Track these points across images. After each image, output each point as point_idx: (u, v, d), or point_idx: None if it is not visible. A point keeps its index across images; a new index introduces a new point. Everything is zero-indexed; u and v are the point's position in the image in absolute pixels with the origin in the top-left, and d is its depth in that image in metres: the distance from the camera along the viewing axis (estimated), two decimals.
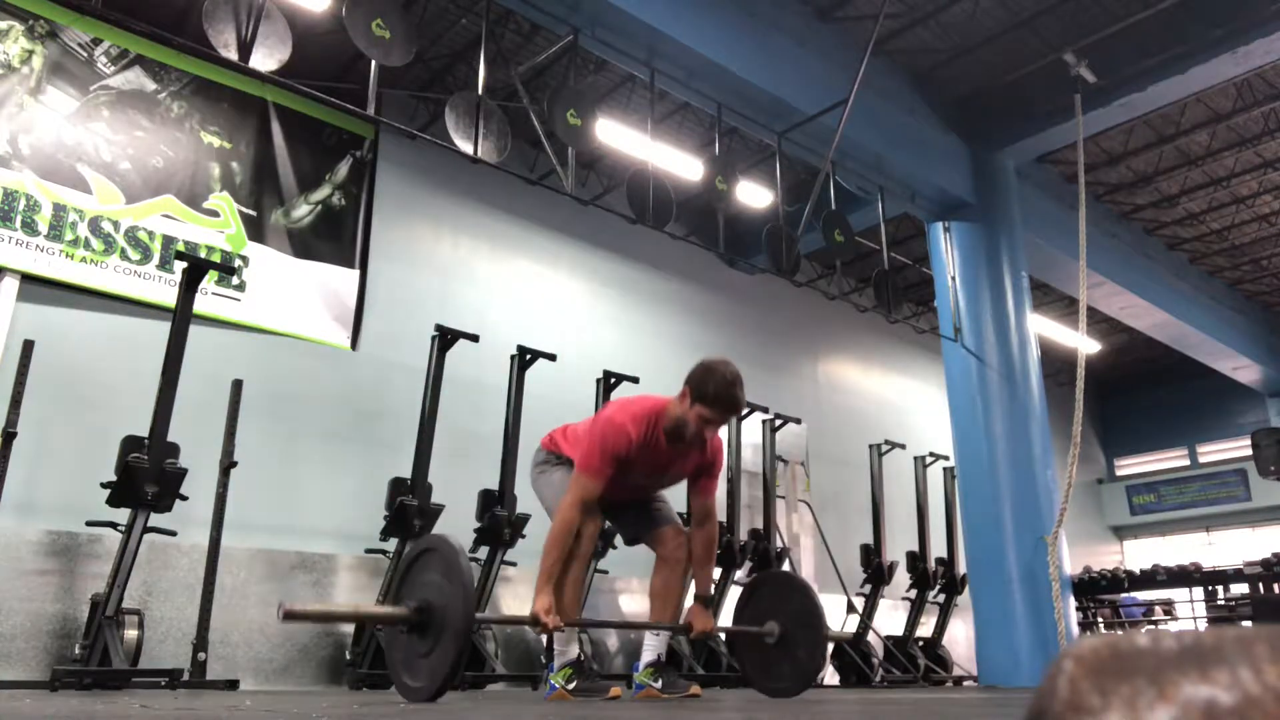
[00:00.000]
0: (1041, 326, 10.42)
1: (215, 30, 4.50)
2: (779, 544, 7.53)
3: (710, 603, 3.38)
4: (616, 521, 3.47)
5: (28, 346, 5.19)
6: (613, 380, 6.68)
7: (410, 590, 2.65)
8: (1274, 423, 13.36)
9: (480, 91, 5.51)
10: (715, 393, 3.00)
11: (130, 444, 4.71)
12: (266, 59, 4.66)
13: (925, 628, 8.50)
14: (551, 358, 6.55)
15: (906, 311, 10.94)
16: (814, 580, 8.76)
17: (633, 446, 3.05)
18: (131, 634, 4.69)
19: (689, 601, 3.40)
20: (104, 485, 4.66)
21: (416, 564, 2.71)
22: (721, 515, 7.26)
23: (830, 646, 7.78)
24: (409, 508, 5.72)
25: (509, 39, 7.67)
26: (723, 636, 6.96)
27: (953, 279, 8.42)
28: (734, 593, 7.16)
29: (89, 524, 4.83)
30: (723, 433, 7.83)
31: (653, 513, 3.36)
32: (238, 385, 5.72)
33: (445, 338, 6.09)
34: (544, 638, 6.74)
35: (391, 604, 2.75)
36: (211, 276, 6.19)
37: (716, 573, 7.04)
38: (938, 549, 8.72)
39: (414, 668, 2.61)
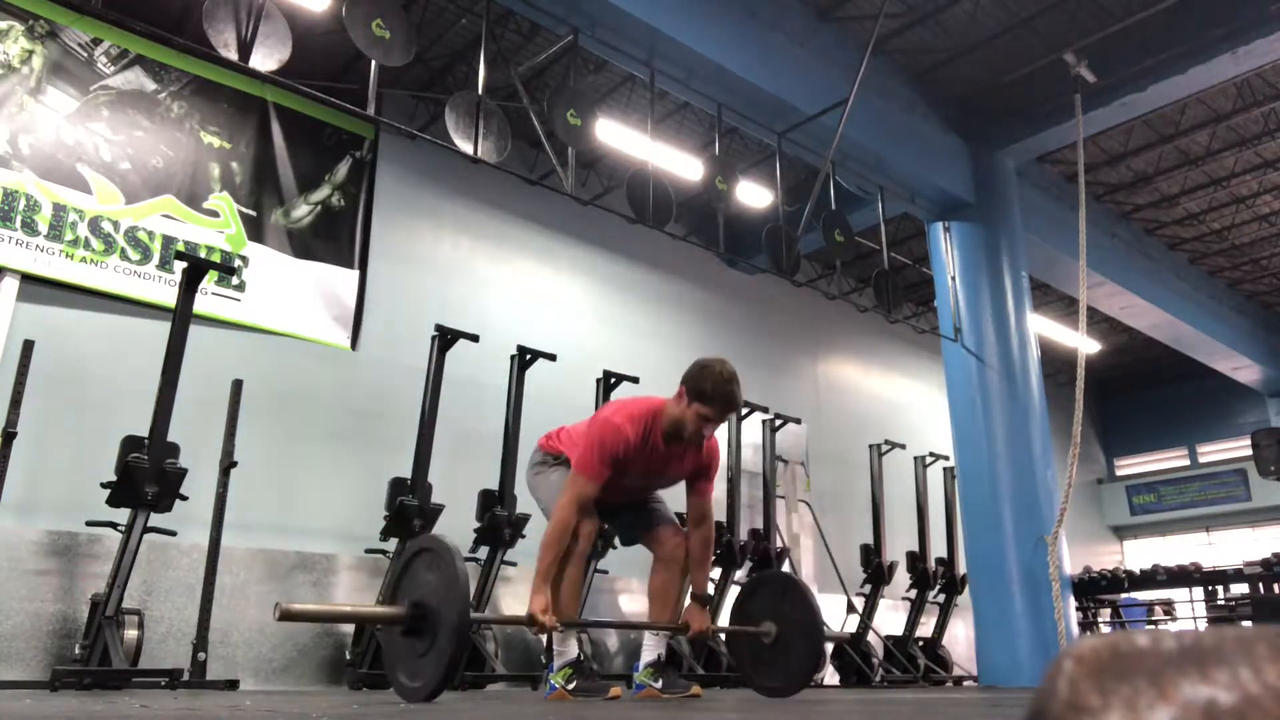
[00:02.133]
0: (1041, 326, 10.42)
1: (215, 30, 4.50)
2: (779, 544, 7.53)
3: (707, 603, 3.39)
4: (614, 522, 3.47)
5: (28, 346, 5.19)
6: (613, 380, 6.69)
7: (407, 590, 2.65)
8: (1274, 423, 13.35)
9: (480, 91, 5.51)
10: (713, 391, 3.00)
11: (130, 444, 4.71)
12: (266, 59, 4.66)
13: (925, 628, 8.50)
14: (551, 358, 6.55)
15: (906, 311, 10.95)
16: (814, 580, 8.76)
17: (630, 447, 3.05)
18: (131, 634, 4.69)
19: (687, 601, 3.40)
20: (104, 485, 4.66)
21: (413, 564, 2.70)
22: (721, 515, 7.27)
23: (829, 647, 7.78)
24: (409, 508, 5.72)
25: (509, 39, 7.67)
26: (722, 636, 6.97)
27: (953, 279, 8.42)
28: (734, 592, 7.17)
29: (89, 524, 4.83)
30: (722, 433, 7.78)
31: (650, 513, 3.36)
32: (238, 385, 5.72)
33: (445, 338, 6.09)
34: (543, 638, 6.75)
35: (389, 604, 2.74)
36: (211, 276, 6.19)
37: (716, 573, 7.04)
38: (938, 549, 8.72)
39: (411, 668, 2.61)
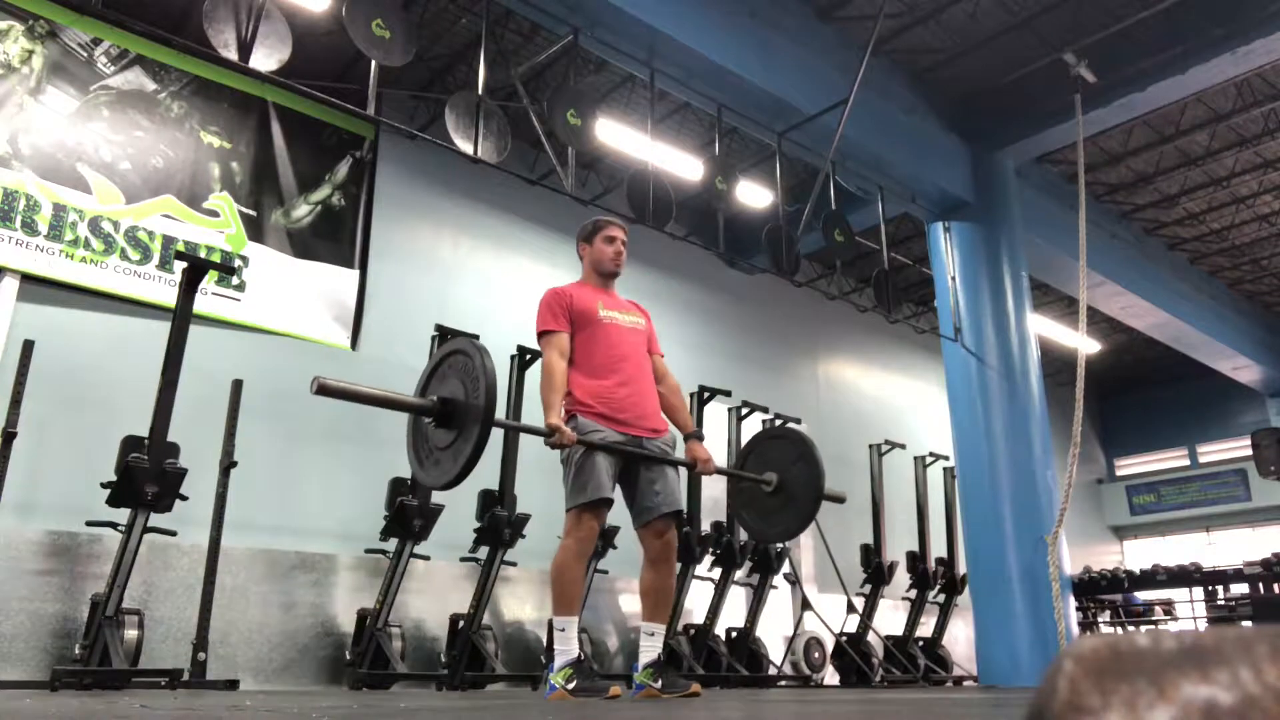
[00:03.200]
0: (1041, 326, 10.42)
1: (215, 30, 4.50)
2: (778, 543, 7.53)
3: (701, 439, 3.60)
4: (631, 477, 3.41)
5: (28, 346, 5.20)
6: None
7: (436, 389, 2.88)
8: (1274, 423, 13.35)
9: (480, 91, 5.51)
10: (593, 223, 3.68)
11: (130, 444, 4.71)
12: (266, 59, 4.66)
13: (925, 628, 8.50)
14: None
15: (906, 311, 10.95)
16: (814, 581, 8.77)
17: (570, 295, 3.49)
18: (131, 634, 4.69)
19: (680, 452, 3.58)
20: (104, 485, 4.66)
21: (444, 364, 2.91)
22: (721, 515, 7.27)
23: (830, 644, 7.78)
24: (409, 508, 5.72)
25: (509, 39, 7.67)
26: (723, 635, 6.97)
27: (953, 279, 8.42)
28: (734, 591, 7.18)
29: (89, 524, 4.83)
30: (722, 433, 7.78)
31: (654, 505, 3.35)
32: (238, 385, 5.72)
33: (445, 338, 6.09)
34: (544, 637, 6.75)
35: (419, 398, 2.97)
36: (211, 276, 6.20)
37: (716, 573, 7.04)
38: (938, 549, 8.72)
39: (436, 458, 2.87)
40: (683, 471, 3.52)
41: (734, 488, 4.07)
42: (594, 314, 3.47)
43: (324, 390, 2.53)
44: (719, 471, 3.68)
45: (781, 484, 3.62)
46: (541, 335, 3.46)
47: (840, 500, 3.98)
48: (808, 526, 3.83)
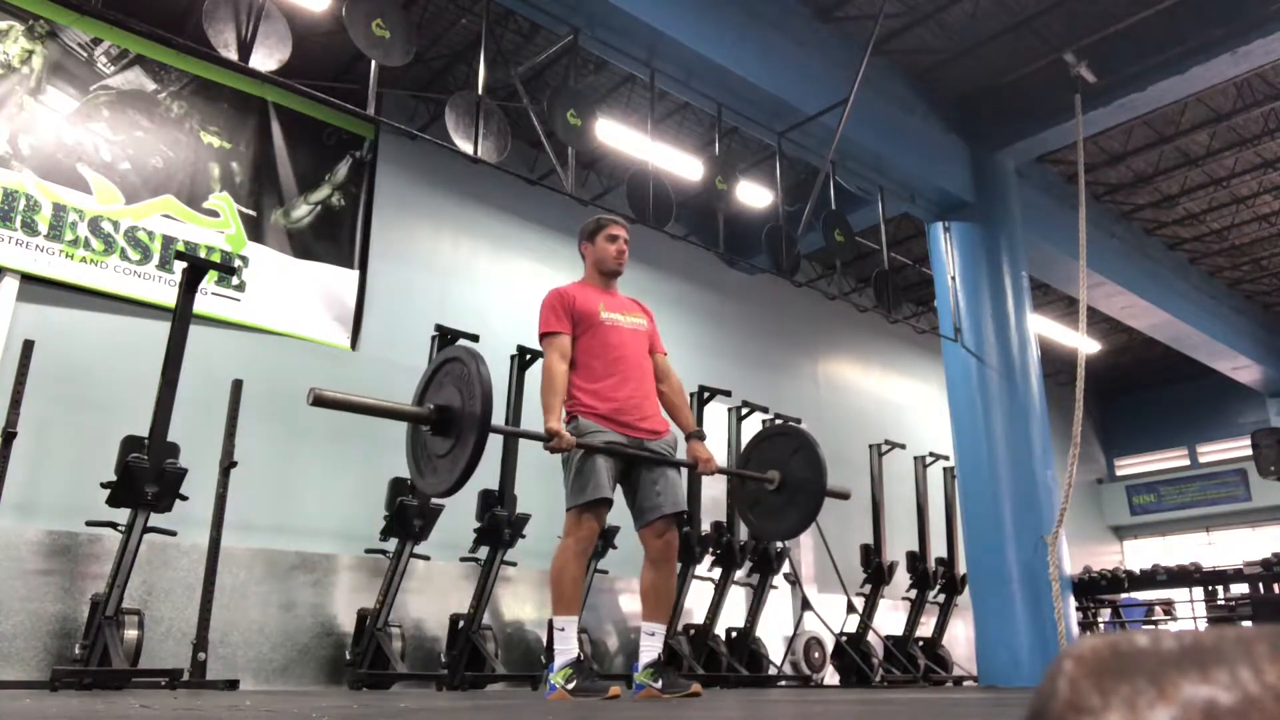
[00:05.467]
0: (1041, 326, 10.42)
1: (215, 30, 4.50)
2: (779, 544, 7.53)
3: (703, 438, 3.58)
4: (632, 478, 3.41)
5: (28, 346, 5.19)
6: None
7: (432, 397, 2.88)
8: (1274, 423, 13.35)
9: (480, 91, 5.51)
10: (596, 220, 3.66)
11: (130, 444, 4.71)
12: (266, 59, 4.66)
13: (925, 628, 8.50)
14: None
15: (906, 311, 10.94)
16: (813, 581, 8.77)
17: (572, 296, 3.49)
18: (131, 634, 4.69)
19: (683, 448, 3.59)
20: (104, 485, 4.66)
21: (440, 372, 2.91)
22: (721, 515, 7.28)
23: (830, 644, 7.78)
24: (409, 508, 5.73)
25: (509, 39, 7.67)
26: (723, 635, 6.97)
27: (953, 279, 8.42)
28: (734, 591, 7.18)
29: (89, 524, 4.83)
30: (723, 433, 7.77)
31: (655, 505, 3.35)
32: (238, 385, 5.72)
33: (445, 338, 6.09)
34: (544, 637, 6.75)
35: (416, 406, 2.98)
36: (211, 276, 6.19)
37: (716, 573, 7.04)
38: (938, 549, 8.72)
39: (434, 466, 2.87)
40: (684, 471, 3.52)
41: (737, 487, 4.08)
42: (595, 315, 3.46)
43: (320, 401, 2.52)
44: (721, 471, 3.68)
45: (784, 482, 3.61)
46: (543, 337, 3.45)
47: (845, 496, 3.98)
48: (812, 522, 3.83)
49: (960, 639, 9.42)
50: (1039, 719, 0.35)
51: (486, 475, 6.16)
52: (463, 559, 6.20)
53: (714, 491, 7.50)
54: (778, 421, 7.92)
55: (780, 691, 6.13)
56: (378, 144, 8.01)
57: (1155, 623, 10.83)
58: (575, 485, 3.27)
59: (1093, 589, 9.59)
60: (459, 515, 5.97)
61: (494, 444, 6.32)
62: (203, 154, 7.08)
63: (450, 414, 2.80)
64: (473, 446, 2.69)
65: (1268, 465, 6.98)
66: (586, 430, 3.29)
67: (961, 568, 8.25)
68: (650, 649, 3.33)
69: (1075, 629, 7.47)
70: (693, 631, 6.90)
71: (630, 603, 7.66)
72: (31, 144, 6.30)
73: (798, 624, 7.84)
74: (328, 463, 7.01)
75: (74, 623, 5.23)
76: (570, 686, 3.17)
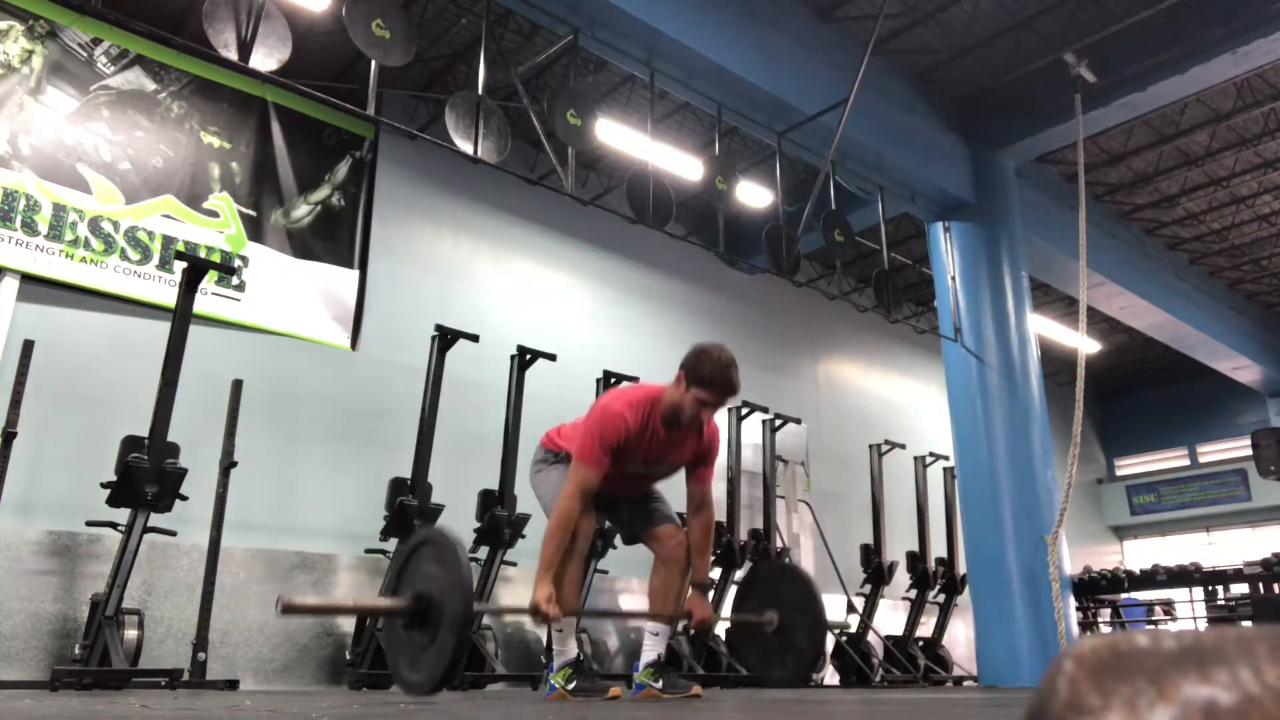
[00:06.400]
0: (1041, 326, 10.42)
1: (215, 30, 4.50)
2: (779, 544, 7.53)
3: (708, 590, 3.37)
4: (615, 519, 3.47)
5: (28, 346, 5.19)
6: (613, 380, 6.69)
7: (409, 583, 2.61)
8: (1274, 423, 13.35)
9: (480, 91, 5.51)
10: (711, 375, 3.02)
11: (130, 444, 4.71)
12: (266, 59, 4.66)
13: (925, 628, 8.50)
14: (551, 358, 6.56)
15: (906, 311, 10.95)
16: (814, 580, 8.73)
17: (630, 434, 3.05)
18: (131, 634, 4.68)
19: (689, 593, 3.39)
20: (104, 485, 4.66)
21: (414, 557, 2.66)
22: (721, 515, 7.27)
23: (830, 643, 7.78)
24: (409, 508, 5.72)
25: (509, 39, 7.67)
26: (723, 635, 6.97)
27: (953, 279, 8.41)
28: (734, 592, 7.17)
29: (89, 524, 4.83)
30: (722, 433, 7.80)
31: (651, 511, 3.35)
32: (238, 385, 5.72)
33: (445, 338, 6.09)
34: (544, 637, 6.74)
35: (390, 598, 2.72)
36: (211, 276, 6.19)
37: (716, 572, 7.04)
38: (938, 549, 8.72)
39: (414, 661, 2.58)
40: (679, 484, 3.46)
41: (735, 625, 3.82)
42: (624, 465, 3.13)
43: (290, 609, 2.24)
44: (719, 620, 3.57)
45: (782, 625, 3.46)
46: (579, 460, 3.07)
47: (846, 629, 3.78)
48: (811, 673, 3.64)
49: (960, 639, 9.41)
50: (1039, 719, 0.35)
51: (487, 475, 6.17)
52: None
53: (715, 493, 7.49)
54: (778, 423, 7.92)
55: (780, 692, 6.13)
56: (378, 144, 8.01)
57: (1155, 623, 10.82)
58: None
59: (1093, 589, 9.59)
60: (459, 515, 5.96)
61: (495, 444, 6.34)
62: (203, 154, 7.08)
63: (427, 605, 2.51)
64: (452, 652, 2.42)
65: (1268, 465, 6.97)
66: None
67: (961, 568, 8.25)
68: (652, 649, 3.32)
69: (1075, 629, 7.47)
70: (693, 632, 6.90)
71: (630, 603, 7.66)
72: (31, 144, 6.30)
73: None
74: (328, 463, 7.01)
75: (74, 623, 5.23)
76: (570, 687, 3.17)
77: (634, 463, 3.14)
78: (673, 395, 3.09)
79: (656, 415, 3.12)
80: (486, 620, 6.06)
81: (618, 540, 6.27)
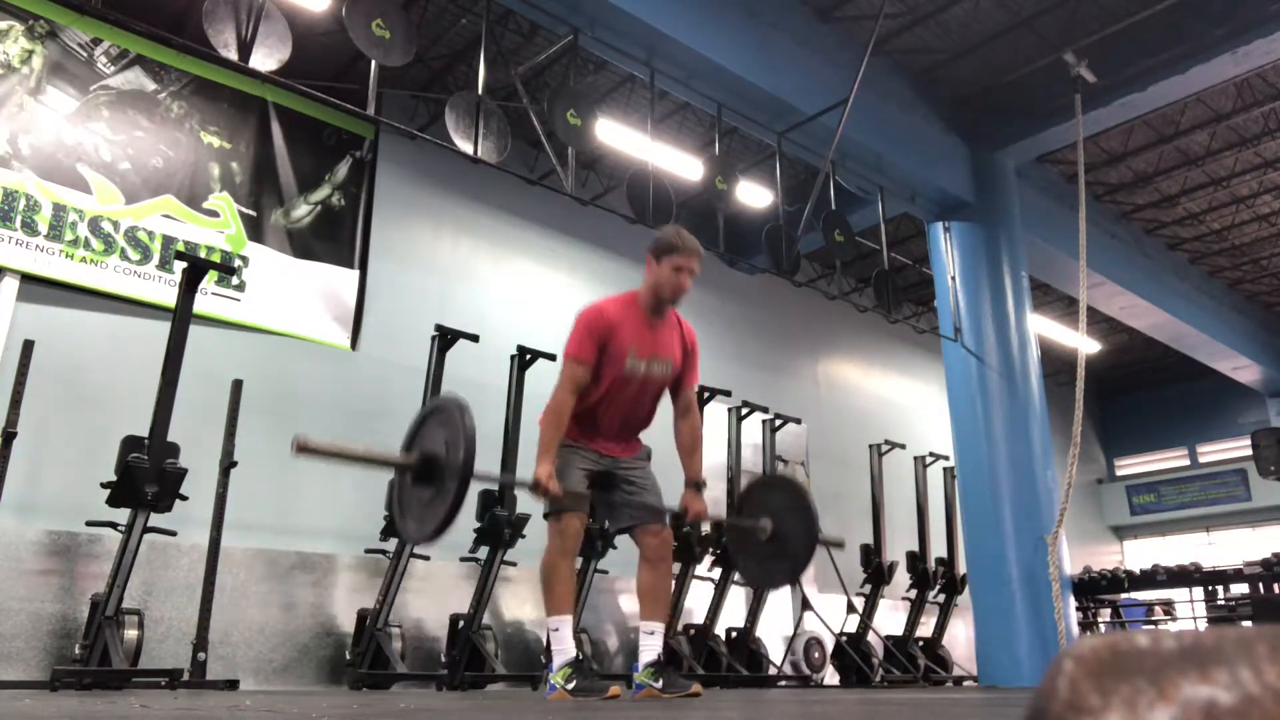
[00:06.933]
0: (1041, 326, 10.42)
1: (215, 30, 4.50)
2: None
3: (701, 489, 3.47)
4: (609, 504, 3.44)
5: (28, 346, 5.19)
6: None
7: (419, 445, 2.89)
8: (1274, 423, 13.34)
9: (480, 91, 5.51)
10: (676, 239, 3.35)
11: (130, 444, 4.71)
12: (266, 59, 4.66)
13: (925, 628, 8.50)
14: (551, 358, 6.54)
15: (906, 311, 10.94)
16: (813, 581, 8.76)
17: (612, 322, 3.27)
18: (131, 634, 4.69)
19: (681, 489, 3.47)
20: (104, 485, 4.66)
21: (426, 422, 2.92)
22: (721, 515, 7.26)
23: (830, 643, 7.78)
24: None
25: (509, 39, 7.67)
26: (723, 635, 6.98)
27: (953, 279, 8.42)
28: (734, 592, 7.17)
29: (89, 524, 4.83)
30: (722, 433, 7.76)
31: (644, 504, 3.36)
32: (238, 385, 5.72)
33: (445, 338, 6.09)
34: (544, 638, 6.74)
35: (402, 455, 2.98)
36: (211, 276, 6.19)
37: (716, 572, 7.04)
38: (938, 549, 8.72)
39: (419, 514, 2.88)
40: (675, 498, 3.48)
41: (731, 531, 4.01)
42: (620, 363, 3.25)
43: (304, 449, 2.52)
44: (712, 519, 3.66)
45: (776, 531, 3.56)
46: (566, 358, 3.25)
47: (839, 545, 3.94)
48: (803, 573, 3.80)
49: (960, 639, 9.41)
50: (1039, 719, 0.35)
51: None
52: (463, 559, 6.20)
53: (714, 493, 7.49)
54: (778, 423, 7.93)
55: (780, 691, 6.13)
56: (378, 144, 8.02)
57: (1155, 623, 10.83)
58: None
59: (1093, 589, 9.59)
60: (459, 515, 5.96)
61: (494, 444, 6.34)
62: (203, 154, 7.08)
63: (434, 463, 2.79)
64: (452, 498, 2.69)
65: (1268, 465, 6.97)
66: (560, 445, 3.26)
67: (961, 568, 8.25)
68: (650, 648, 3.32)
69: (1075, 629, 7.47)
70: (693, 631, 6.90)
71: (630, 603, 7.66)
72: (31, 144, 6.30)
73: (798, 624, 7.84)
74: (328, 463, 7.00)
75: (74, 623, 5.23)
76: (570, 686, 3.17)
77: (625, 365, 3.26)
78: (649, 279, 3.38)
79: (637, 307, 3.37)
80: (487, 620, 6.06)
81: (618, 540, 6.28)
